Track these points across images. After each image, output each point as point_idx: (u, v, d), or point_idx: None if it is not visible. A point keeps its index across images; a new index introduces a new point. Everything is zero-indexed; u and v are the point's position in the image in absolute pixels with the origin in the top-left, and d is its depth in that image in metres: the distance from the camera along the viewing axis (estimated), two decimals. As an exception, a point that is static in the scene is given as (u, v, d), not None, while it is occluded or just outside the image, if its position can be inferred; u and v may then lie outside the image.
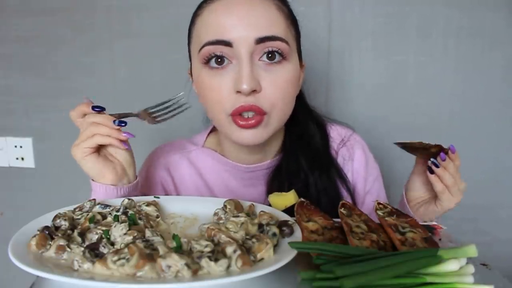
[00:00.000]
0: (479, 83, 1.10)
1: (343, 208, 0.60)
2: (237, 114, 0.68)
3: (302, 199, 0.64)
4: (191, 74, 0.79)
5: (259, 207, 0.62)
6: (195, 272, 0.42)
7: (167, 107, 0.73)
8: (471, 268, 0.45)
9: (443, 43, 1.09)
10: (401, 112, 1.14)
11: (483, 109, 1.12)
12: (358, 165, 0.85)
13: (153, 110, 0.72)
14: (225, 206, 0.60)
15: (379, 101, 1.14)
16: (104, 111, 0.67)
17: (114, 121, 0.65)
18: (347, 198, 0.82)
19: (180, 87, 1.17)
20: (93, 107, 0.66)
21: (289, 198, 0.70)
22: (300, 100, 0.82)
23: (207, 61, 0.69)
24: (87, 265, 0.44)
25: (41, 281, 0.47)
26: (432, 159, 0.68)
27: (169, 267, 0.42)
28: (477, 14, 1.07)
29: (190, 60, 0.78)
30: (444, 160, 0.67)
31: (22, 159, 1.28)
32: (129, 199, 0.60)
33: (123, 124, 0.65)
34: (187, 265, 0.42)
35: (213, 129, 0.89)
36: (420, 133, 1.13)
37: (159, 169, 0.85)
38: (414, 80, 1.12)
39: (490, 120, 1.12)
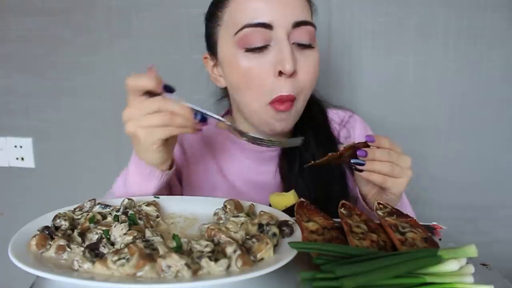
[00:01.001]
0: (479, 83, 1.10)
1: (343, 208, 0.60)
2: (274, 102, 0.70)
3: (302, 199, 0.64)
4: (211, 58, 0.80)
5: (259, 207, 0.62)
6: (195, 272, 0.42)
7: None
8: (471, 268, 0.45)
9: (443, 43, 1.09)
10: (401, 112, 1.14)
11: (483, 109, 1.12)
12: (358, 138, 0.87)
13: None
14: (225, 206, 0.60)
15: (378, 101, 1.14)
16: (175, 91, 0.60)
17: (195, 115, 0.59)
18: (350, 176, 0.82)
19: (180, 87, 1.18)
20: (165, 87, 0.59)
21: (289, 198, 0.70)
22: None
23: (245, 43, 0.69)
24: (87, 265, 0.44)
25: (41, 281, 0.47)
26: (352, 161, 0.62)
27: (169, 267, 0.42)
28: (477, 14, 1.07)
29: (210, 44, 0.78)
30: (365, 155, 0.61)
31: (22, 159, 1.28)
32: (129, 199, 0.60)
33: (204, 121, 0.60)
34: (187, 265, 0.42)
35: (225, 113, 0.92)
36: (419, 133, 1.14)
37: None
38: (413, 80, 1.12)
39: (490, 120, 1.12)
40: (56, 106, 1.24)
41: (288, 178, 0.81)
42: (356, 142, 0.62)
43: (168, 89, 0.59)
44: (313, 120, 0.84)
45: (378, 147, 0.62)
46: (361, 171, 0.63)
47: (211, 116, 0.61)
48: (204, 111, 0.59)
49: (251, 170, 0.84)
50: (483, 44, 1.08)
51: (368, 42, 1.11)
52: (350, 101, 1.15)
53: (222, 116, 0.90)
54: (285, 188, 0.81)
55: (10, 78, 1.25)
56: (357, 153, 0.61)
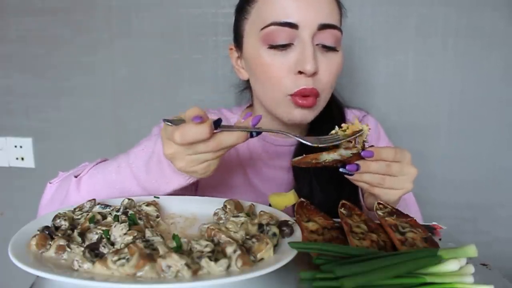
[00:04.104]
0: (479, 83, 1.10)
1: (343, 208, 0.60)
2: (297, 95, 0.71)
3: (302, 199, 0.64)
4: (236, 50, 0.82)
5: (259, 207, 0.62)
6: (195, 272, 0.42)
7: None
8: (471, 268, 0.45)
9: (443, 42, 1.09)
10: (401, 111, 1.14)
11: (483, 109, 1.12)
12: (370, 136, 0.86)
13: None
14: (225, 206, 0.60)
15: (378, 101, 1.14)
16: (222, 121, 0.53)
17: (251, 135, 0.55)
18: None
19: (180, 87, 1.18)
20: (215, 124, 0.52)
21: (289, 198, 0.70)
22: None
23: (269, 40, 0.71)
24: (87, 265, 0.44)
25: (41, 281, 0.47)
26: (340, 169, 0.60)
27: (169, 267, 0.42)
28: (477, 13, 1.07)
29: (236, 37, 0.80)
30: (356, 170, 0.59)
31: (22, 159, 1.28)
32: (129, 199, 0.60)
33: (259, 134, 0.56)
34: (187, 265, 0.42)
35: (248, 106, 0.93)
36: (419, 132, 1.14)
37: None
38: (413, 80, 1.12)
39: (490, 119, 1.12)
40: (56, 106, 1.24)
41: (302, 176, 0.81)
42: (343, 153, 0.59)
43: (217, 124, 0.52)
44: (331, 119, 0.85)
45: (378, 159, 0.59)
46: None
47: (265, 130, 0.57)
48: (257, 129, 0.55)
49: (267, 164, 0.85)
50: (482, 43, 1.08)
51: (368, 42, 1.11)
52: (350, 100, 1.15)
53: (243, 111, 0.93)
54: (297, 185, 0.81)
55: (10, 78, 1.24)
56: (347, 167, 0.59)
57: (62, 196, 0.68)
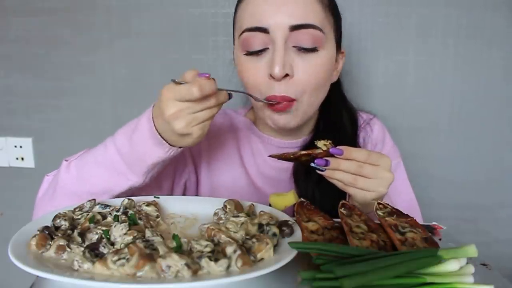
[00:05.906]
0: (479, 83, 1.10)
1: (343, 208, 0.60)
2: (268, 100, 0.72)
3: (302, 199, 0.64)
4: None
5: (259, 207, 0.62)
6: (195, 272, 0.42)
7: None
8: (471, 268, 0.45)
9: (443, 42, 1.09)
10: (401, 112, 1.14)
11: (483, 109, 1.11)
12: (375, 139, 0.88)
13: None
14: (225, 206, 0.60)
15: (378, 101, 1.14)
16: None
17: (230, 96, 0.59)
18: None
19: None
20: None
21: (289, 198, 0.70)
22: (337, 88, 0.84)
23: (245, 47, 0.72)
24: (87, 265, 0.44)
25: (41, 281, 0.47)
26: (311, 164, 0.62)
27: (169, 267, 0.42)
28: (477, 13, 1.07)
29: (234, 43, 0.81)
30: (325, 165, 0.60)
31: (22, 159, 1.28)
32: (129, 199, 0.60)
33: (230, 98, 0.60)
34: (187, 265, 0.42)
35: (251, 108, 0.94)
36: (419, 132, 1.14)
37: None
38: (413, 80, 1.12)
39: (490, 119, 1.12)
40: (56, 106, 1.24)
41: (304, 186, 0.81)
42: (318, 151, 0.61)
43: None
44: (341, 127, 0.85)
45: (350, 159, 0.60)
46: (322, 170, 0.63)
47: (234, 91, 0.61)
48: (230, 90, 0.60)
49: (270, 166, 0.85)
50: (483, 43, 1.08)
51: (368, 42, 1.11)
52: (349, 101, 1.15)
53: (248, 111, 0.94)
54: (299, 192, 0.81)
55: (10, 78, 1.24)
56: (315, 161, 0.61)
57: (54, 182, 0.70)
